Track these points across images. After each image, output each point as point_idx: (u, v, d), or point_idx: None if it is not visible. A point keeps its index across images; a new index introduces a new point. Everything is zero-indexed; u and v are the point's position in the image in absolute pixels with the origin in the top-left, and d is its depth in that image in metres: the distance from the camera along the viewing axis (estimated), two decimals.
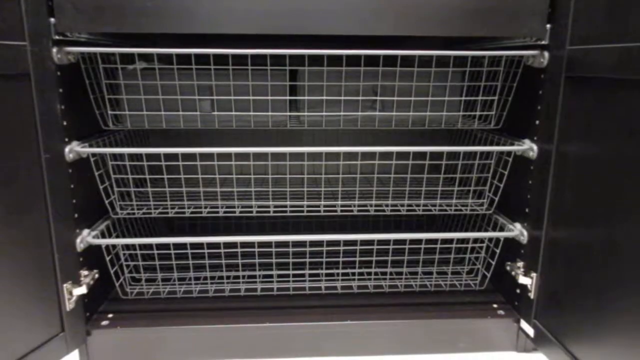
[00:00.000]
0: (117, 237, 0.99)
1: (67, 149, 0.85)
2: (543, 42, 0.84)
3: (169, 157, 0.91)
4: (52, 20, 0.79)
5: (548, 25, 0.83)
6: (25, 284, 0.81)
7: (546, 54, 0.85)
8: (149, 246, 1.02)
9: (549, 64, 0.85)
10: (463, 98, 0.91)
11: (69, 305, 0.88)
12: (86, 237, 0.90)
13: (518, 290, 0.97)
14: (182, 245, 0.92)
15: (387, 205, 0.96)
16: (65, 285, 0.87)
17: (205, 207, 0.94)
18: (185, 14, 0.79)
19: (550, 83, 0.85)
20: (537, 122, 0.89)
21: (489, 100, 0.92)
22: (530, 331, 0.93)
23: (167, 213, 0.95)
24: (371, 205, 0.95)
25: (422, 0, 0.80)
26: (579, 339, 0.80)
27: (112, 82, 0.87)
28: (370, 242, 0.96)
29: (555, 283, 0.87)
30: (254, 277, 1.02)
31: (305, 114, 0.88)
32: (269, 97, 0.87)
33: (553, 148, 0.84)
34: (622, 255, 0.69)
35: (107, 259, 0.94)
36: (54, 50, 0.81)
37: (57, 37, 0.80)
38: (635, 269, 0.67)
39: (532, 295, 0.92)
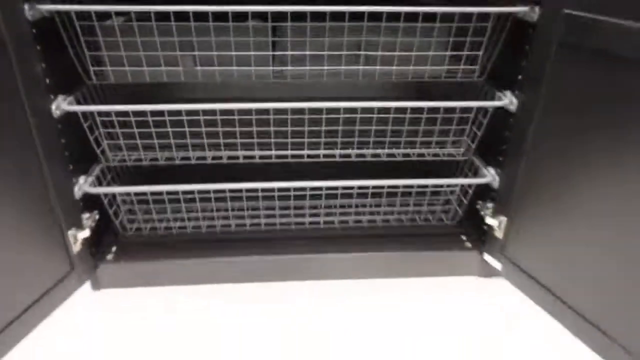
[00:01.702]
0: (111, 181, 1.04)
1: (53, 106, 0.86)
2: None
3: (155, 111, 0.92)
4: None
5: None
6: (35, 234, 0.88)
7: (537, 9, 0.83)
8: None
9: (540, 20, 0.83)
10: (448, 53, 0.90)
11: (76, 247, 0.96)
12: (83, 186, 0.95)
13: (485, 228, 1.06)
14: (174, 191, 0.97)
15: (369, 154, 1.00)
16: (70, 232, 0.94)
17: (193, 157, 0.98)
18: None
19: (539, 41, 0.84)
20: (520, 77, 0.90)
21: (474, 54, 0.92)
22: (497, 265, 1.05)
23: (157, 160, 0.99)
24: (354, 154, 1.00)
25: None
26: (538, 265, 0.92)
27: (90, 39, 0.85)
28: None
29: (520, 224, 0.96)
30: (243, 215, 1.09)
31: (289, 68, 0.88)
32: (252, 53, 0.86)
33: (534, 104, 0.87)
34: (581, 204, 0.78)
35: (105, 201, 1.00)
36: (26, 7, 0.77)
37: None
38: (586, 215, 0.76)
39: (499, 234, 1.02)
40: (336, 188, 1.00)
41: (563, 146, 0.83)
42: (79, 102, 0.90)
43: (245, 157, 0.99)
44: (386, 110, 0.93)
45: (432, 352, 0.89)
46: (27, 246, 0.86)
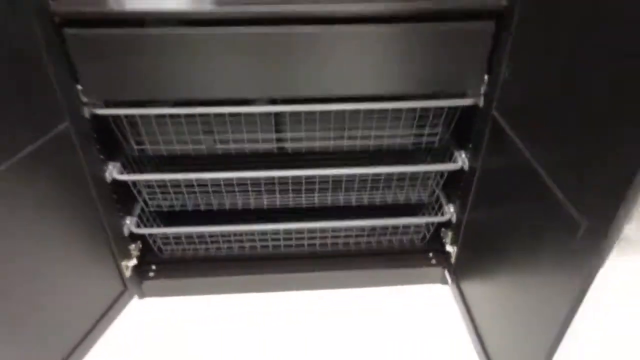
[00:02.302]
0: (150, 219, 1.31)
1: (107, 174, 1.11)
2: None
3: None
4: (79, 87, 0.98)
5: (482, 89, 1.03)
6: (99, 266, 1.17)
7: (482, 99, 1.05)
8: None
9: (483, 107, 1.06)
10: (413, 132, 1.14)
11: (127, 273, 1.26)
12: (130, 226, 1.23)
13: (444, 252, 1.34)
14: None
15: (354, 200, 1.27)
16: (122, 262, 1.23)
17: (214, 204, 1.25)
18: (186, 85, 0.97)
19: (480, 121, 1.07)
20: (470, 144, 1.14)
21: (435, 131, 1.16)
22: (448, 281, 1.34)
23: (185, 206, 1.25)
24: (342, 199, 1.26)
25: (387, 69, 0.98)
26: (469, 294, 1.21)
27: (134, 128, 1.09)
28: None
29: (463, 256, 1.24)
30: (254, 239, 1.37)
31: (290, 144, 1.13)
32: (259, 135, 1.11)
33: (475, 166, 1.11)
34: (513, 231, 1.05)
35: (147, 235, 1.28)
36: (85, 109, 1.01)
37: (85, 100, 1.00)
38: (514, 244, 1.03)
39: (452, 259, 1.30)
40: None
41: (492, 204, 1.08)
42: (124, 167, 1.16)
43: (255, 204, 1.26)
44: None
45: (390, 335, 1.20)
46: (94, 275, 1.16)
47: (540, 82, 0.83)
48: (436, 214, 1.31)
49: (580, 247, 0.72)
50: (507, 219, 0.99)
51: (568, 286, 0.76)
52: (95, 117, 1.03)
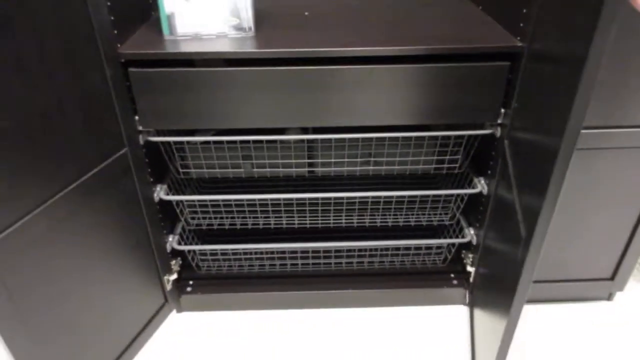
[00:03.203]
0: (189, 237, 1.42)
1: (155, 195, 1.23)
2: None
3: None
4: (137, 118, 1.10)
5: (499, 120, 1.12)
6: (144, 281, 1.27)
7: (499, 129, 1.14)
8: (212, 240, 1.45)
9: (500, 136, 1.15)
10: (435, 157, 1.23)
11: (168, 287, 1.36)
12: (172, 243, 1.34)
13: (465, 272, 1.41)
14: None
15: (379, 222, 1.36)
16: (165, 277, 1.34)
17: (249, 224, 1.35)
18: (228, 115, 1.09)
19: (498, 149, 1.16)
20: (489, 171, 1.22)
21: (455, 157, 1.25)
22: (468, 299, 1.40)
23: (223, 225, 1.36)
24: (367, 222, 1.35)
25: (413, 102, 1.08)
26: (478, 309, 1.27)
27: (181, 155, 1.21)
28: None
29: (480, 277, 1.31)
30: (284, 257, 1.47)
31: (320, 169, 1.23)
32: (293, 160, 1.22)
33: (494, 189, 1.19)
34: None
35: (186, 252, 1.39)
36: (140, 137, 1.14)
37: (140, 128, 1.13)
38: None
39: (472, 279, 1.36)
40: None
41: (499, 229, 1.15)
42: (169, 189, 1.28)
43: (287, 224, 1.36)
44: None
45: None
46: (140, 287, 1.26)
47: (530, 117, 0.93)
48: (457, 237, 1.39)
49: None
50: (503, 248, 1.07)
51: None
52: (148, 143, 1.15)
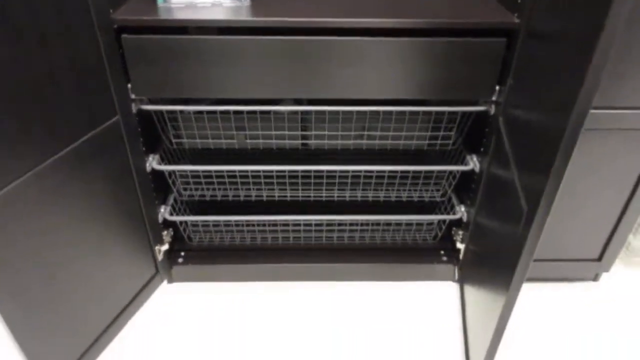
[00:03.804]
0: (181, 208, 1.42)
1: (147, 165, 1.23)
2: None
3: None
4: (129, 86, 1.09)
5: (493, 97, 1.11)
6: (135, 251, 1.28)
7: (493, 107, 1.14)
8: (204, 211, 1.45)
9: (495, 113, 1.15)
10: (428, 133, 1.23)
11: (160, 257, 1.37)
12: (164, 214, 1.34)
13: (455, 250, 1.42)
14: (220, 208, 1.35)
15: (371, 196, 1.36)
16: (156, 247, 1.35)
17: (241, 195, 1.36)
18: (222, 85, 1.08)
19: (492, 126, 1.16)
20: (482, 148, 1.22)
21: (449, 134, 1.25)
22: (457, 275, 1.42)
23: (215, 196, 1.36)
24: (359, 195, 1.36)
25: (408, 76, 1.07)
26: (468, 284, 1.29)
27: (173, 123, 1.21)
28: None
29: (471, 251, 1.32)
30: (276, 230, 1.48)
31: (313, 141, 1.23)
32: (286, 132, 1.21)
33: (486, 166, 1.20)
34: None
35: (178, 223, 1.40)
36: (132, 105, 1.13)
37: (133, 97, 1.11)
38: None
39: (461, 256, 1.38)
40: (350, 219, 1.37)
41: (491, 207, 1.16)
42: (162, 159, 1.27)
43: (279, 196, 1.36)
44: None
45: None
46: (131, 257, 1.27)
47: (526, 95, 0.93)
48: (448, 213, 1.40)
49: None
50: (496, 225, 1.07)
51: None
52: (141, 112, 1.14)
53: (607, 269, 1.42)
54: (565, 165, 0.74)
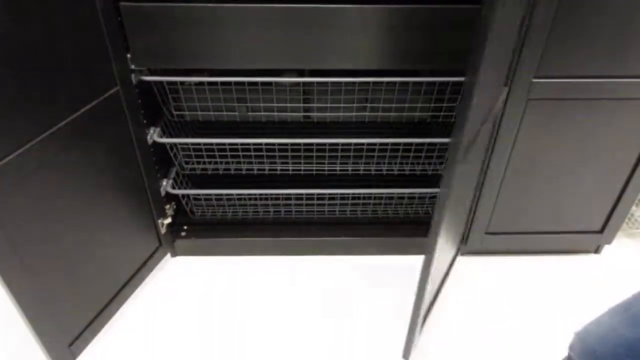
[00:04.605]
0: (184, 181, 1.42)
1: (148, 137, 1.22)
2: None
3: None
4: (129, 56, 1.08)
5: None
6: (139, 224, 1.28)
7: None
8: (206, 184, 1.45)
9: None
10: (432, 105, 1.22)
11: (163, 230, 1.37)
12: (166, 187, 1.34)
13: None
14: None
15: (373, 169, 1.36)
16: (159, 220, 1.35)
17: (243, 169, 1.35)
18: (223, 55, 1.07)
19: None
20: None
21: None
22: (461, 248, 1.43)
23: (217, 170, 1.36)
24: (362, 169, 1.35)
25: (410, 44, 1.06)
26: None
27: (174, 94, 1.19)
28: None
29: None
30: (278, 204, 1.48)
31: (315, 114, 1.22)
32: (288, 104, 1.20)
33: None
34: None
35: (180, 196, 1.40)
36: (132, 76, 1.11)
37: (133, 67, 1.10)
38: None
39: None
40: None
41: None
42: (163, 132, 1.26)
43: (281, 170, 1.35)
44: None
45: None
46: (134, 229, 1.27)
47: None
48: None
49: None
50: None
51: None
52: (141, 83, 1.13)
53: (609, 241, 1.43)
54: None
